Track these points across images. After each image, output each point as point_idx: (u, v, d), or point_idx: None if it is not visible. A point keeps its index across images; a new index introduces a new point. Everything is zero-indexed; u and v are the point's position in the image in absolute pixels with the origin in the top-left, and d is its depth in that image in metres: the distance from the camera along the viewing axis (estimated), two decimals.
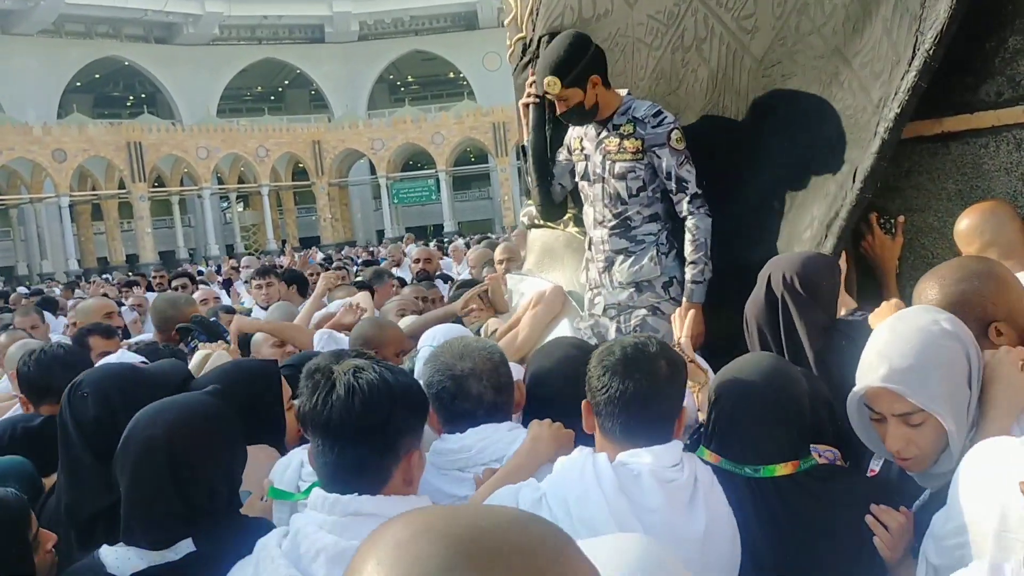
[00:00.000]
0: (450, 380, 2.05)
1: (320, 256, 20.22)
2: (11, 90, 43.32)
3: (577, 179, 3.35)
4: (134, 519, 1.70)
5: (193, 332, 4.15)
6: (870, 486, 1.93)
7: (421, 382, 1.89)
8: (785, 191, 2.85)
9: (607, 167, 3.20)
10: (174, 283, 8.56)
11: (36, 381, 2.75)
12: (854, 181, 2.53)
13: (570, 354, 2.32)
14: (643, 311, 3.19)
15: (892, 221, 2.70)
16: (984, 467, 1.47)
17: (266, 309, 5.36)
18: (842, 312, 2.44)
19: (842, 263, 2.56)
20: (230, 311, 5.31)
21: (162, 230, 45.36)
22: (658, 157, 3.07)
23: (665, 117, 3.06)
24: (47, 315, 8.40)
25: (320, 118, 53.76)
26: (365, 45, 55.74)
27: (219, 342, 3.81)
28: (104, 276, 27.71)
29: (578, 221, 3.54)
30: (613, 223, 3.23)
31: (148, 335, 5.07)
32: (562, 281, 3.61)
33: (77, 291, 14.44)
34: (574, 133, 3.34)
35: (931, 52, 2.34)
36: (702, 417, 2.38)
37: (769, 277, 2.34)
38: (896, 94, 2.42)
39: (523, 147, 3.56)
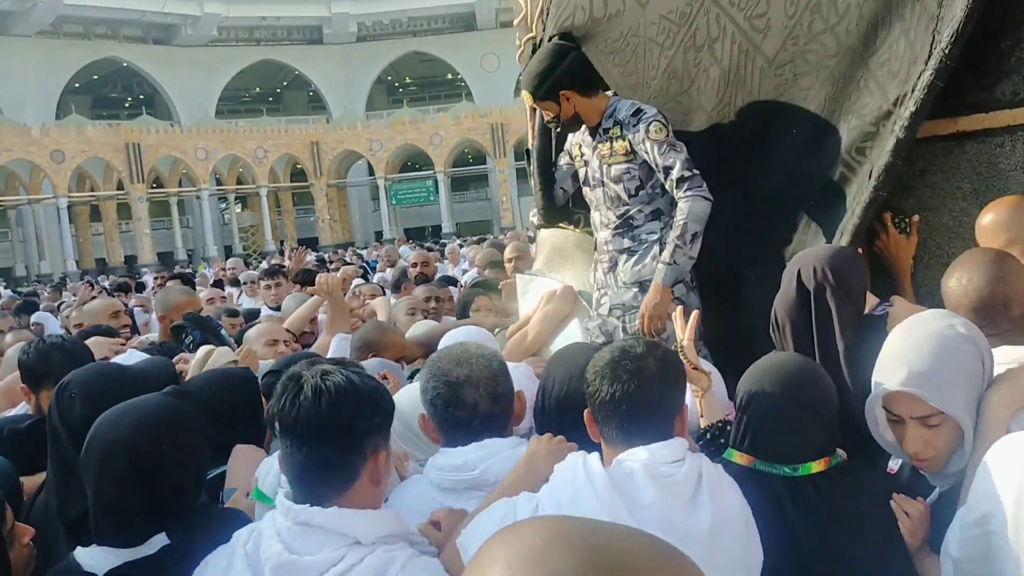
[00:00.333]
0: (445, 386, 1.95)
1: (312, 256, 20.08)
2: (9, 91, 43.25)
3: (581, 185, 3.37)
4: (104, 521, 1.76)
5: (187, 329, 4.13)
6: (890, 481, 2.01)
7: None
8: (798, 190, 2.85)
9: (604, 171, 3.23)
10: (169, 284, 8.55)
11: (35, 368, 2.77)
12: (869, 179, 2.53)
13: (581, 362, 2.27)
14: None
15: (907, 220, 2.70)
16: (1005, 461, 1.53)
17: (275, 309, 5.37)
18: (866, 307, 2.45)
19: None
20: (233, 314, 5.29)
21: (160, 231, 45.29)
22: (646, 152, 3.09)
23: (644, 113, 3.09)
24: (48, 316, 8.40)
25: (318, 119, 53.73)
26: (363, 46, 55.71)
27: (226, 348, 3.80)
28: (97, 277, 27.60)
29: (589, 222, 3.55)
30: (616, 224, 3.25)
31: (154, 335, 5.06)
32: (572, 281, 3.61)
33: (64, 292, 14.34)
34: (574, 140, 3.38)
35: (948, 51, 2.34)
36: (704, 423, 2.37)
37: (799, 272, 2.34)
38: (912, 93, 2.42)
39: (528, 150, 3.61)
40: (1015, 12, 2.47)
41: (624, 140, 3.13)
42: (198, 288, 8.26)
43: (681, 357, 2.30)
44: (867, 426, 1.94)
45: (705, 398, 2.43)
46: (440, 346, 2.89)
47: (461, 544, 1.65)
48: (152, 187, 44.21)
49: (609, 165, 3.20)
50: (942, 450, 1.81)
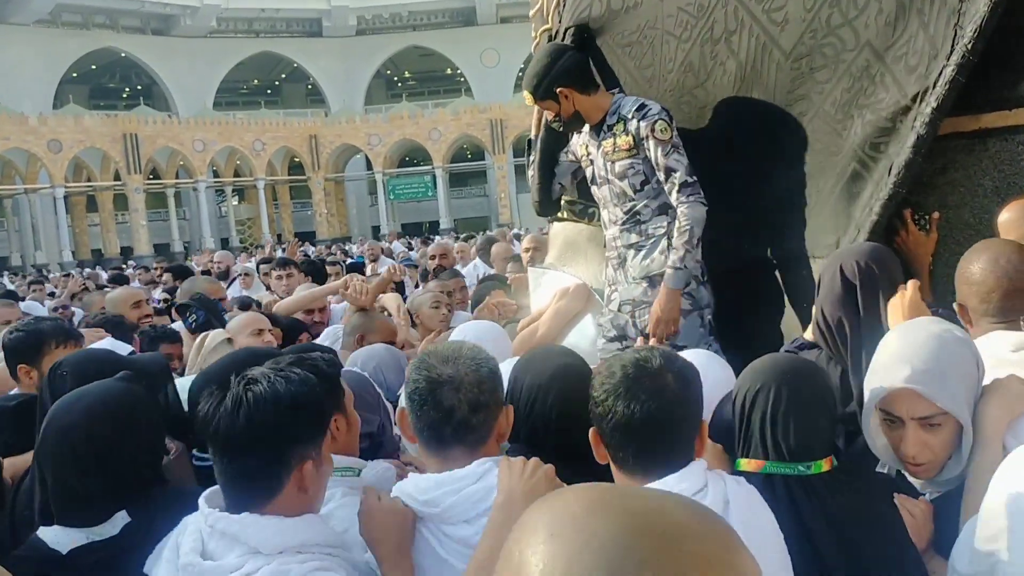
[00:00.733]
0: (425, 382, 1.78)
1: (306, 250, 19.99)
2: (7, 80, 43.05)
3: (589, 184, 3.38)
4: (64, 502, 1.82)
5: (192, 308, 4.17)
6: (887, 479, 1.96)
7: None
8: (815, 185, 2.84)
9: (608, 168, 3.24)
10: (164, 277, 8.54)
11: (27, 340, 2.87)
12: (888, 175, 2.52)
13: (550, 369, 2.14)
14: None
15: (926, 217, 2.67)
16: (1018, 477, 1.48)
17: None
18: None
19: None
20: (246, 305, 5.27)
21: (157, 222, 45.26)
22: (648, 149, 3.10)
23: (649, 109, 3.09)
24: (35, 305, 8.35)
25: (317, 112, 53.62)
26: (363, 40, 55.60)
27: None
28: (95, 268, 27.51)
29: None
30: (623, 219, 3.25)
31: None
32: (585, 275, 3.61)
33: (47, 284, 14.14)
34: (579, 140, 3.39)
35: (970, 46, 2.32)
36: None
37: (840, 267, 2.32)
38: (933, 88, 2.40)
39: (530, 141, 3.61)
40: None
41: (628, 135, 3.13)
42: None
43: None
44: None
45: None
46: (453, 333, 2.88)
47: None
48: (149, 178, 44.17)
49: (613, 162, 3.20)
50: (939, 455, 1.79)
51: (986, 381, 1.87)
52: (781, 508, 1.73)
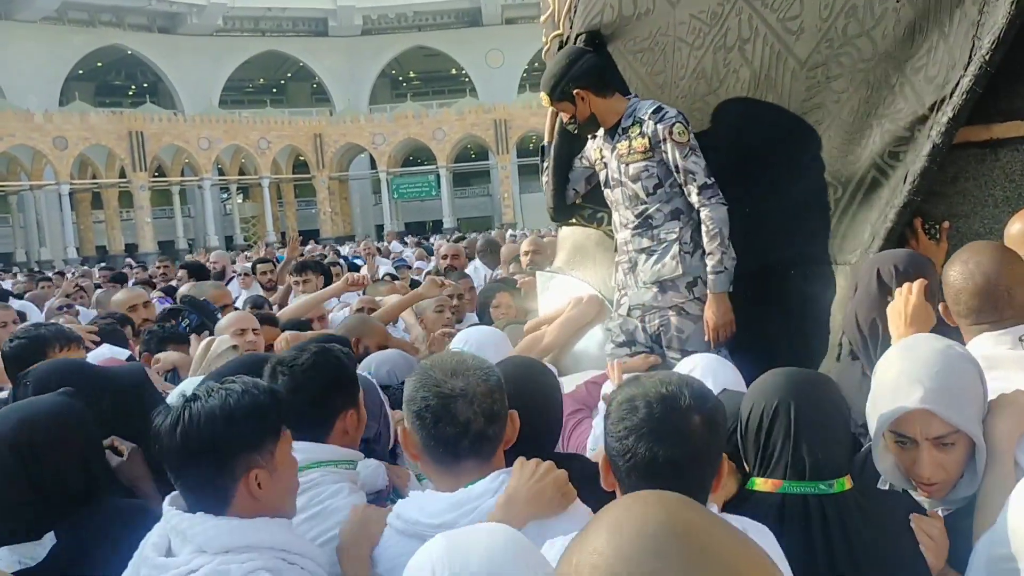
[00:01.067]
0: (436, 399, 1.71)
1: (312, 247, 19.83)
2: (13, 77, 43.12)
3: (602, 187, 3.39)
4: None
5: (184, 312, 4.12)
6: (903, 499, 1.88)
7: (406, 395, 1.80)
8: (832, 193, 2.84)
9: (622, 170, 3.24)
10: (180, 274, 8.51)
11: (29, 348, 2.91)
12: (904, 183, 2.53)
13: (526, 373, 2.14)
14: (668, 311, 3.19)
15: (937, 227, 2.69)
16: None
17: None
18: None
19: None
20: (259, 305, 5.29)
21: (162, 220, 45.21)
22: (665, 152, 3.11)
23: (666, 112, 3.11)
24: (30, 306, 8.31)
25: (322, 111, 53.63)
26: (368, 39, 55.57)
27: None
28: (98, 264, 27.50)
29: (611, 221, 3.55)
30: (635, 223, 3.25)
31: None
32: (593, 279, 3.62)
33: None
34: (594, 145, 3.40)
35: (988, 57, 2.34)
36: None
37: (878, 271, 2.33)
38: (951, 98, 2.42)
39: (543, 147, 3.62)
40: None
41: (644, 137, 3.14)
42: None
43: None
44: None
45: None
46: (454, 341, 2.89)
47: None
48: (154, 176, 44.14)
49: (627, 164, 3.21)
50: (953, 474, 1.76)
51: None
52: (795, 530, 1.68)
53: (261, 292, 7.02)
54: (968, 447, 1.75)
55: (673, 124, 3.07)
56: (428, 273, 7.04)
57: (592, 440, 2.55)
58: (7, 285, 13.86)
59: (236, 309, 5.43)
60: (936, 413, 1.69)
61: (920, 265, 2.31)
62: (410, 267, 10.58)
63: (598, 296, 3.47)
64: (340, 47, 54.86)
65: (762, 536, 1.58)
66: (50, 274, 16.16)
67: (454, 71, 59.40)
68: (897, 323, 2.15)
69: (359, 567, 1.72)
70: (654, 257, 3.22)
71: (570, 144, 3.49)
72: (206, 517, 1.60)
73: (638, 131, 3.16)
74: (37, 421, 1.88)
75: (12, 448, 1.82)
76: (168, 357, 3.64)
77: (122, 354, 3.45)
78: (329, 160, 48.31)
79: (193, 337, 4.06)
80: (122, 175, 41.94)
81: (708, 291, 3.10)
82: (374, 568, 1.74)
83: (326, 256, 11.75)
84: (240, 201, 52.12)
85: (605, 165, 3.34)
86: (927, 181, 2.51)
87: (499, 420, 1.77)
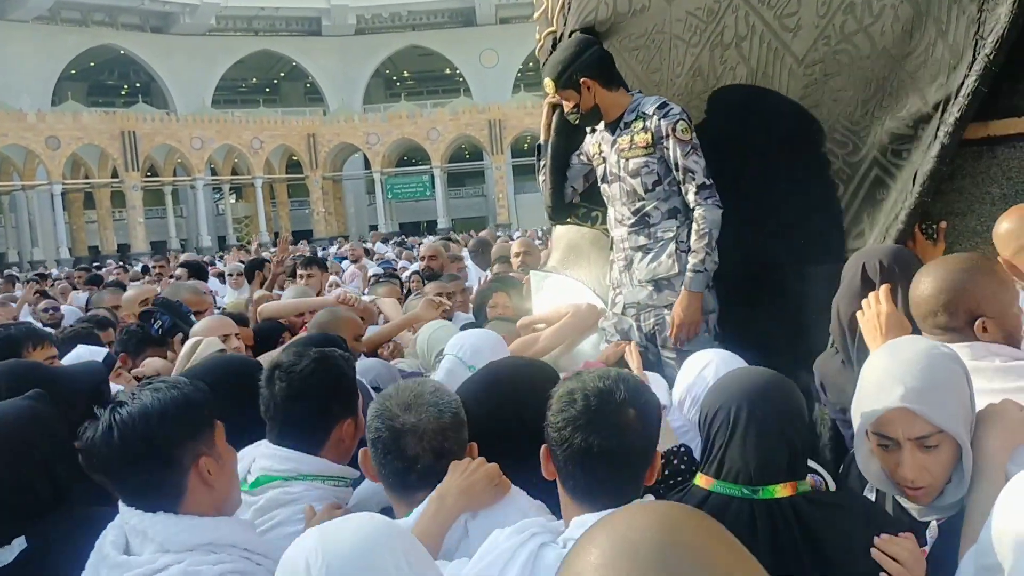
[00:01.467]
0: (387, 431, 1.78)
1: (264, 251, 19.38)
2: (5, 76, 42.95)
3: (599, 183, 3.36)
4: None
5: (156, 314, 4.05)
6: (867, 515, 1.77)
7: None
8: (832, 190, 2.83)
9: (622, 165, 3.21)
10: (178, 271, 8.43)
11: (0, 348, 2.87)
12: (913, 184, 2.52)
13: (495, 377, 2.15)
14: (664, 310, 3.17)
15: (934, 226, 2.67)
16: (1021, 504, 1.40)
17: None
18: None
19: None
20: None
21: (154, 220, 45.20)
22: (667, 148, 3.09)
23: (671, 109, 3.09)
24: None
25: (315, 111, 53.57)
26: (362, 39, 55.53)
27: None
28: (91, 264, 27.35)
29: (606, 220, 3.53)
30: (632, 220, 3.23)
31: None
32: (587, 278, 3.60)
33: (18, 284, 14.00)
34: (592, 139, 3.37)
35: (992, 56, 2.34)
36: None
37: (863, 266, 2.31)
38: (956, 98, 2.41)
39: (539, 146, 3.59)
40: None
41: (647, 132, 3.12)
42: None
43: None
44: None
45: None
46: (448, 345, 2.86)
47: None
48: (147, 176, 44.07)
49: (627, 159, 3.19)
50: (939, 477, 1.70)
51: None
52: (740, 532, 1.64)
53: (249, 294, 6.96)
54: (954, 450, 1.68)
55: (677, 121, 3.05)
56: (415, 273, 7.03)
57: None
58: None
59: (219, 310, 5.40)
60: (917, 412, 1.64)
61: (905, 261, 2.28)
62: (395, 269, 10.56)
63: (594, 306, 3.45)
64: (334, 47, 54.81)
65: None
66: (22, 276, 16.09)
67: (448, 71, 59.39)
68: (873, 335, 2.10)
69: None
70: (650, 255, 3.20)
71: (567, 141, 3.46)
72: (167, 516, 1.59)
73: (641, 126, 3.13)
74: (3, 427, 1.84)
75: None
76: (151, 364, 3.58)
77: (99, 353, 3.42)
78: (323, 160, 48.28)
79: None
80: (114, 175, 41.89)
81: (683, 287, 3.07)
82: None
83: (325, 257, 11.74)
84: (233, 201, 52.04)
85: (604, 160, 3.31)
86: (937, 180, 2.51)
87: (448, 455, 1.80)
